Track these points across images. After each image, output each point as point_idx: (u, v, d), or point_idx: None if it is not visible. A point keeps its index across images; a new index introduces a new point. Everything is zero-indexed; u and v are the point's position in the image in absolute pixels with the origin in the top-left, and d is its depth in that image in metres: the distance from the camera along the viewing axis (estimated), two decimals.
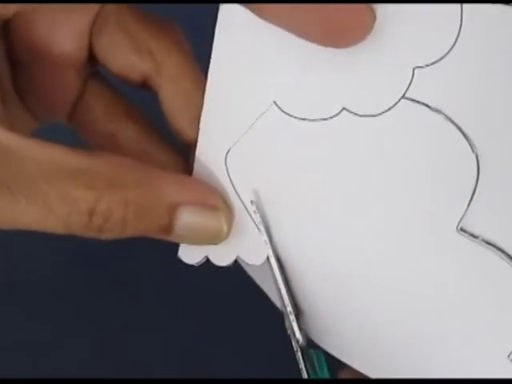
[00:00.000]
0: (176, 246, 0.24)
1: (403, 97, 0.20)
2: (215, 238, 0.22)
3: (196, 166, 0.23)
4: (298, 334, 0.22)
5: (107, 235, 0.21)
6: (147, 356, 0.29)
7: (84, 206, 0.20)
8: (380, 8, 0.20)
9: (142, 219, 0.21)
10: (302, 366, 0.22)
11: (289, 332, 0.22)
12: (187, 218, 0.21)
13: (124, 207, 0.21)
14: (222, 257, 0.23)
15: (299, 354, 0.22)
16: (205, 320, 0.32)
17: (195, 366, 0.31)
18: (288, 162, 0.22)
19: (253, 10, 0.21)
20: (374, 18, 0.20)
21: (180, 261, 0.24)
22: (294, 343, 0.22)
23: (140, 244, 0.29)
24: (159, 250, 0.23)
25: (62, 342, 0.31)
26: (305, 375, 0.22)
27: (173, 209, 0.21)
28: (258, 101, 0.22)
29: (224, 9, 0.22)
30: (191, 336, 0.32)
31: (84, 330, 0.32)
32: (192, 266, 0.24)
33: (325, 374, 0.23)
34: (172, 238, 0.22)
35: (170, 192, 0.22)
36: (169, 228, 0.22)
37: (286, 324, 0.22)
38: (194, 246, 0.23)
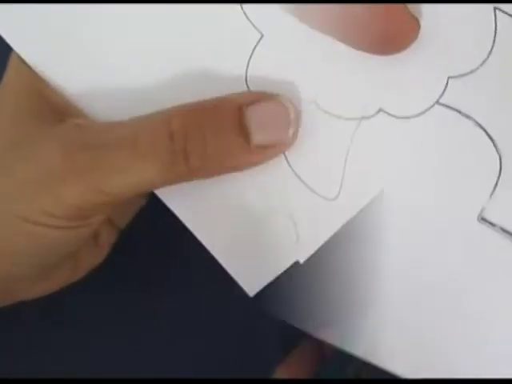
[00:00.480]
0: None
1: (437, 102, 0.23)
2: (287, 122, 0.23)
3: None
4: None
5: (194, 162, 0.22)
6: (147, 355, 0.29)
7: (162, 128, 0.22)
8: (422, 19, 0.22)
9: (216, 127, 0.23)
10: None
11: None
12: (256, 110, 0.23)
13: (196, 118, 0.23)
14: None
15: None
16: (205, 319, 0.32)
17: (195, 366, 0.32)
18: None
19: (299, 17, 0.22)
20: (419, 27, 0.22)
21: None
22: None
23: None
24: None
25: (61, 341, 0.31)
26: None
27: (240, 109, 0.23)
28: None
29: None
30: (191, 335, 0.32)
31: (84, 330, 0.32)
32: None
33: None
34: (252, 148, 0.23)
35: (232, 99, 0.23)
36: (244, 128, 0.22)
37: None
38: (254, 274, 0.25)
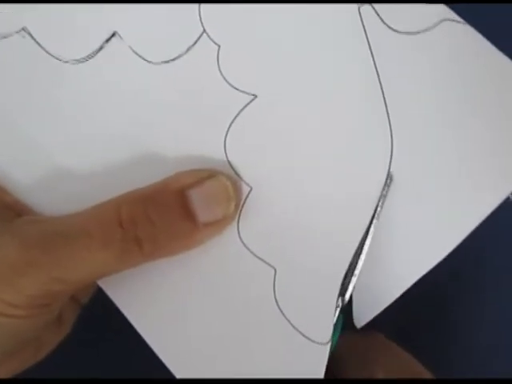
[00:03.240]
0: None
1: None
2: (228, 198, 0.25)
3: None
4: (348, 294, 0.25)
5: (147, 248, 0.24)
6: (147, 356, 0.29)
7: (112, 217, 0.23)
8: None
9: (162, 212, 0.24)
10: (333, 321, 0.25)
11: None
12: (198, 192, 0.24)
13: (142, 205, 0.24)
14: None
15: (338, 310, 0.25)
16: None
17: None
18: None
19: None
20: None
21: None
22: (339, 299, 0.25)
23: None
24: None
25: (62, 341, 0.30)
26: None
27: (183, 192, 0.24)
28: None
29: None
30: None
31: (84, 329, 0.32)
32: None
33: (336, 334, 0.26)
34: (199, 227, 0.24)
35: (173, 183, 0.24)
36: (189, 210, 0.24)
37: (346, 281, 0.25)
38: None
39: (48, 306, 0.24)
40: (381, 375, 0.27)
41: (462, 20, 0.24)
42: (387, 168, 0.25)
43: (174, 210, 0.24)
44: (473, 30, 0.24)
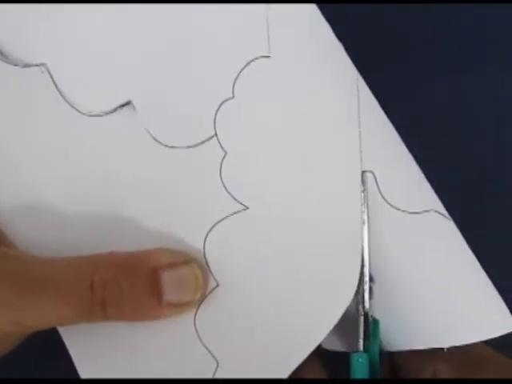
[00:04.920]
0: None
1: None
2: (196, 287, 0.26)
3: None
4: (367, 298, 0.26)
5: (110, 312, 0.25)
6: None
7: (84, 277, 0.25)
8: None
9: (133, 284, 0.25)
10: (360, 330, 0.26)
11: (359, 297, 0.26)
12: (170, 275, 0.26)
13: (116, 272, 0.25)
14: None
15: (362, 318, 0.26)
16: None
17: None
18: None
19: None
20: None
21: None
22: (360, 307, 0.26)
23: None
24: None
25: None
26: (361, 344, 0.26)
27: (156, 271, 0.25)
28: None
29: None
30: None
31: None
32: None
33: (376, 342, 0.26)
34: (163, 305, 0.26)
35: (150, 259, 0.26)
36: (157, 288, 0.25)
37: (360, 289, 0.26)
38: None
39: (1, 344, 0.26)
40: (445, 372, 0.27)
41: (449, 216, 0.26)
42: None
43: (144, 285, 0.25)
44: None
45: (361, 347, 0.26)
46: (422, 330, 0.27)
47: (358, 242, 0.26)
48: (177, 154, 0.26)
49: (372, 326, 0.27)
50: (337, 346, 0.29)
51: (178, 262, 0.26)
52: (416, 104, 0.35)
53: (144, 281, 0.25)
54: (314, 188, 0.26)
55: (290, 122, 0.26)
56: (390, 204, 0.26)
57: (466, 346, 0.26)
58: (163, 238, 0.27)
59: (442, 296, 0.26)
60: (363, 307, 0.26)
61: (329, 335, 0.27)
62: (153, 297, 0.25)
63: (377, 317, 0.27)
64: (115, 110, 0.27)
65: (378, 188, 0.26)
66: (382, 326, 0.27)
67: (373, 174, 0.26)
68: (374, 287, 0.26)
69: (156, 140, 0.26)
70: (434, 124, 0.36)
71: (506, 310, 0.26)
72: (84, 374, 0.27)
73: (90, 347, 0.27)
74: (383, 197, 0.26)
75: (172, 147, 0.26)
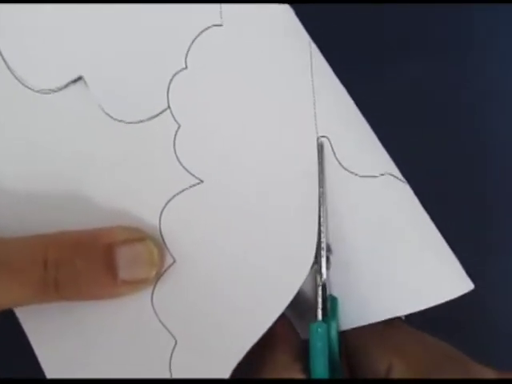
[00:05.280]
0: None
1: None
2: (151, 263, 0.26)
3: None
4: (324, 269, 0.26)
5: (64, 291, 0.25)
6: None
7: (38, 256, 0.24)
8: None
9: (88, 261, 0.25)
10: (319, 301, 0.26)
11: (316, 268, 0.26)
12: (125, 251, 0.25)
13: (70, 251, 0.25)
14: None
15: (320, 289, 0.26)
16: None
17: None
18: None
19: None
20: None
21: None
22: (317, 278, 0.26)
23: None
24: None
25: None
26: (319, 314, 0.26)
27: (111, 247, 0.25)
28: None
29: None
30: None
31: None
32: None
33: (334, 319, 0.26)
34: (118, 282, 0.25)
35: (104, 236, 0.25)
36: (112, 265, 0.25)
37: (317, 260, 0.26)
38: None
39: None
40: (401, 366, 0.26)
41: (404, 179, 0.26)
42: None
43: (98, 262, 0.25)
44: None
45: (319, 317, 0.26)
46: (379, 299, 0.26)
47: (315, 211, 0.25)
48: (130, 128, 0.26)
49: (330, 302, 0.27)
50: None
51: (132, 239, 0.26)
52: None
53: (98, 258, 0.25)
54: (270, 158, 0.26)
55: (243, 92, 0.26)
56: (345, 169, 0.26)
57: (422, 342, 0.26)
58: (118, 215, 0.26)
59: (398, 261, 0.26)
60: (321, 277, 0.26)
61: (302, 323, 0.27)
62: (108, 274, 0.25)
63: (334, 289, 0.27)
64: (67, 85, 0.26)
65: (334, 153, 0.26)
66: (339, 301, 0.27)
67: (328, 139, 0.26)
68: (332, 257, 0.26)
69: (108, 115, 0.26)
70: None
71: (463, 272, 0.26)
72: (42, 357, 0.27)
73: (47, 329, 0.27)
74: (339, 162, 0.26)
75: (125, 122, 0.26)
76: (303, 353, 0.27)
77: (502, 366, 0.26)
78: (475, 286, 0.26)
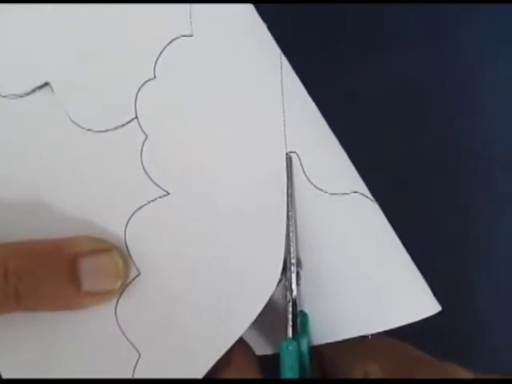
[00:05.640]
0: None
1: None
2: (116, 275, 0.25)
3: None
4: (294, 284, 0.26)
5: (25, 302, 0.24)
6: None
7: None
8: None
9: (50, 272, 0.24)
10: (289, 317, 0.26)
11: (286, 283, 0.26)
12: (89, 262, 0.25)
13: (32, 261, 0.24)
14: None
15: (290, 305, 0.26)
16: None
17: None
18: None
19: None
20: None
21: None
22: (287, 294, 0.26)
23: None
24: None
25: None
26: (289, 331, 0.26)
27: (75, 258, 0.25)
28: None
29: None
30: None
31: None
32: None
33: (305, 336, 0.26)
34: (82, 294, 0.25)
35: (69, 247, 0.25)
36: (76, 276, 0.24)
37: (287, 275, 0.26)
38: None
39: None
40: (377, 373, 0.26)
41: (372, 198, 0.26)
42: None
43: (61, 272, 0.25)
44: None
45: (289, 334, 0.26)
46: (347, 317, 0.26)
47: (283, 226, 0.25)
48: (97, 137, 0.26)
49: (301, 319, 0.26)
50: (268, 349, 0.28)
51: (97, 250, 0.25)
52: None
53: (62, 269, 0.25)
54: (238, 171, 0.25)
55: (212, 104, 0.25)
56: (314, 185, 0.25)
57: (397, 347, 0.26)
58: (83, 225, 0.26)
59: (365, 279, 0.26)
60: (291, 293, 0.26)
61: (259, 339, 0.27)
62: (71, 285, 0.25)
63: (305, 306, 0.27)
64: (33, 91, 0.26)
65: (303, 169, 0.25)
66: (309, 317, 0.27)
67: (297, 155, 0.25)
68: (302, 272, 0.26)
69: (75, 123, 0.25)
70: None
71: (430, 293, 0.26)
72: (4, 369, 0.26)
73: (8, 340, 0.26)
74: (308, 178, 0.25)
75: (91, 130, 0.25)
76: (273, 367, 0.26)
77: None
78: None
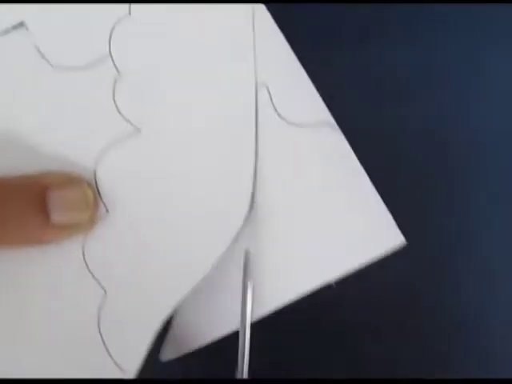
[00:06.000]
0: None
1: None
2: (85, 206, 0.25)
3: None
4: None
5: None
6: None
7: None
8: None
9: (19, 203, 0.24)
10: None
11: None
12: (58, 194, 0.25)
13: (2, 191, 0.24)
14: None
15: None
16: None
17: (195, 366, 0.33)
18: None
19: None
20: None
21: None
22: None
23: None
24: None
25: None
26: None
27: (44, 190, 0.25)
28: None
29: None
30: None
31: None
32: None
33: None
34: (50, 225, 0.25)
35: (38, 180, 0.25)
36: (44, 208, 0.24)
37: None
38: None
39: None
40: None
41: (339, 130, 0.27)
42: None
43: (30, 205, 0.25)
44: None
45: None
46: (308, 262, 0.26)
47: (251, 160, 0.26)
48: (69, 74, 0.26)
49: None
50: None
51: (67, 182, 0.25)
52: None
53: (30, 201, 0.25)
54: (209, 107, 0.26)
55: (183, 39, 0.26)
56: (282, 117, 0.26)
57: None
58: (53, 161, 0.26)
59: (329, 213, 0.26)
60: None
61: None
62: (39, 216, 0.25)
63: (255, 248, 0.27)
64: (7, 31, 0.26)
65: (272, 101, 0.26)
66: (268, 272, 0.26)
67: (267, 87, 0.26)
68: (260, 210, 0.26)
69: (47, 60, 0.26)
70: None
71: (394, 225, 0.26)
72: None
73: None
74: (276, 110, 0.26)
75: (65, 67, 0.26)
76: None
77: None
78: None
